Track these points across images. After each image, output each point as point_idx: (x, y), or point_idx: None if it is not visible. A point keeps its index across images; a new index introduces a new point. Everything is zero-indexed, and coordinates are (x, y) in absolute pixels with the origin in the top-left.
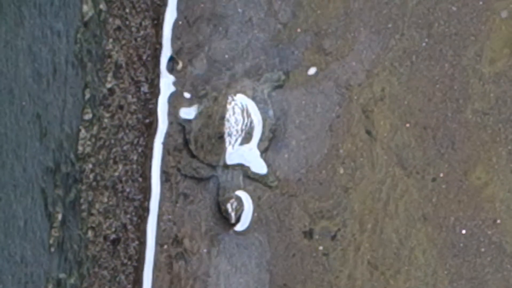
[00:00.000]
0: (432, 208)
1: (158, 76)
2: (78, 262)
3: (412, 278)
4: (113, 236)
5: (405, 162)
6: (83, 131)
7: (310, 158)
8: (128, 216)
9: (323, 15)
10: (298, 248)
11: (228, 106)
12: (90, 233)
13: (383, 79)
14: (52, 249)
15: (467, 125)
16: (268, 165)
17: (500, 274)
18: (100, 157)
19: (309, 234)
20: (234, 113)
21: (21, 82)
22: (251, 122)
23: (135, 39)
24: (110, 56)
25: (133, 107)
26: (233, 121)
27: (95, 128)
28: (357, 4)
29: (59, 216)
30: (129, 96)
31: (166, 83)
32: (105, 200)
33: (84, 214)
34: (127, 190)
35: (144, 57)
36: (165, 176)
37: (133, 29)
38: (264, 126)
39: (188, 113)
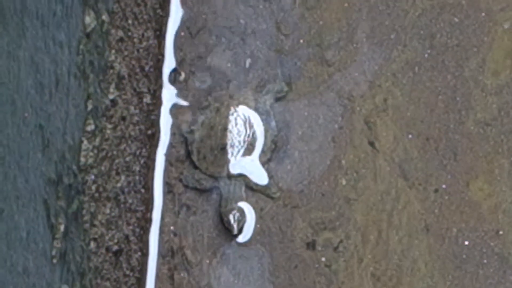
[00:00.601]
0: (434, 219)
1: (160, 87)
2: (80, 273)
3: None
4: (115, 247)
5: (408, 173)
6: (85, 142)
7: (313, 169)
8: (131, 227)
9: (325, 26)
10: (300, 259)
11: (231, 117)
12: (92, 244)
13: (386, 90)
14: (55, 260)
15: (469, 136)
16: (271, 176)
17: (503, 285)
18: (103, 168)
19: (311, 245)
20: (236, 124)
21: (23, 93)
22: (254, 133)
23: (138, 50)
24: (112, 67)
25: (136, 118)
26: (236, 132)
27: (98, 139)
28: (360, 16)
29: (62, 227)
30: (132, 107)
31: (169, 94)
32: (108, 211)
33: (87, 225)
34: (130, 201)
35: (147, 68)
36: (168, 187)
37: (136, 40)
38: (266, 137)
39: (190, 124)
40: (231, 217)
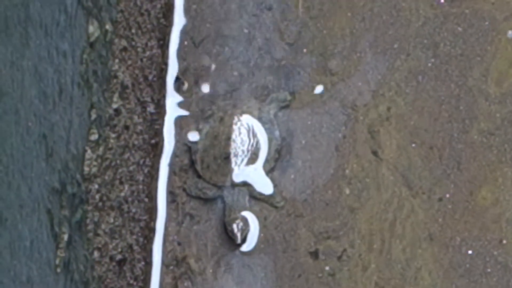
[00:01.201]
0: (438, 228)
1: (164, 96)
2: (84, 282)
3: None
4: (119, 257)
5: (411, 183)
6: (89, 151)
7: (316, 178)
8: (134, 236)
9: (329, 35)
10: (304, 268)
11: (234, 127)
12: (96, 254)
13: (389, 99)
14: (58, 270)
15: (473, 145)
16: (274, 186)
17: None
18: (106, 177)
19: (315, 254)
20: (240, 133)
21: (27, 103)
22: (257, 143)
23: (141, 60)
24: (116, 77)
25: (139, 127)
26: (239, 142)
27: (101, 148)
28: (363, 25)
29: (65, 237)
30: (135, 117)
31: (172, 103)
32: (111, 220)
33: (90, 234)
34: (133, 210)
35: (150, 78)
36: (171, 196)
37: (139, 49)
38: (270, 147)
39: (194, 133)
40: (234, 226)
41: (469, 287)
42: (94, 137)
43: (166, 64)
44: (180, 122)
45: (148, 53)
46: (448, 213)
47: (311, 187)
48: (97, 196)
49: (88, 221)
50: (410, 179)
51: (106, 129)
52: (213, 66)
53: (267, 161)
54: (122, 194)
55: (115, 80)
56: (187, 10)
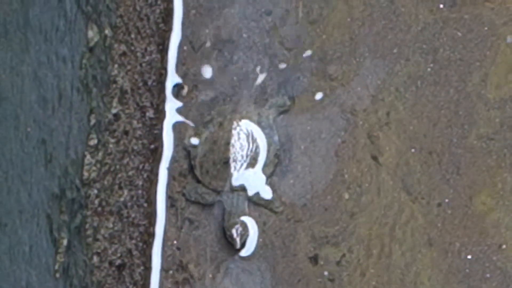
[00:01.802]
0: (437, 233)
1: (163, 101)
2: (83, 287)
3: None
4: (118, 262)
5: (411, 188)
6: (88, 156)
7: (316, 183)
8: (134, 241)
9: (328, 40)
10: (303, 273)
11: (234, 132)
12: (95, 259)
13: (388, 104)
14: (58, 275)
15: (472, 151)
16: (273, 191)
17: None
18: (105, 182)
19: (314, 259)
20: (239, 138)
21: (26, 108)
22: (257, 148)
23: (140, 65)
24: (115, 82)
25: (139, 132)
26: (238, 147)
27: (100, 153)
28: (362, 30)
29: (65, 242)
30: (135, 122)
31: (171, 108)
32: (110, 225)
33: (90, 239)
34: (132, 215)
35: (150, 83)
36: (171, 201)
37: (138, 54)
38: (269, 152)
39: (193, 138)
40: (234, 231)
41: None
42: (93, 142)
43: (165, 69)
44: (179, 127)
45: (147, 58)
46: (447, 218)
47: (310, 192)
48: (97, 201)
49: (87, 226)
50: (409, 184)
51: (106, 134)
52: (213, 71)
53: (266, 166)
54: (122, 199)
55: (114, 85)
56: (186, 15)
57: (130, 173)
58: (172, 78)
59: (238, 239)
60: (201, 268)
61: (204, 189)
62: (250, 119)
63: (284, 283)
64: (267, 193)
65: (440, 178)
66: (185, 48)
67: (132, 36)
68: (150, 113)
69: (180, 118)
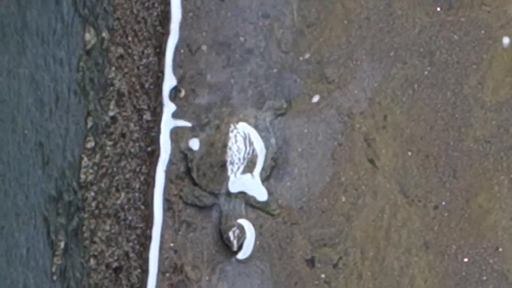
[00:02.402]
0: (434, 236)
1: (160, 104)
2: None
3: None
4: (115, 264)
5: (407, 190)
6: (85, 159)
7: (312, 186)
8: (130, 244)
9: (325, 43)
10: (300, 276)
11: (231, 134)
12: (92, 261)
13: (385, 107)
14: (55, 277)
15: (469, 153)
16: (270, 193)
17: None
18: (103, 185)
19: (311, 262)
20: (236, 141)
21: (23, 111)
22: (253, 150)
23: (138, 68)
24: (112, 84)
25: (136, 135)
26: (235, 149)
27: (98, 156)
28: (359, 33)
29: (62, 244)
30: (132, 124)
31: (169, 111)
32: (107, 228)
33: (87, 242)
34: (129, 218)
35: (147, 85)
36: (168, 204)
37: (136, 57)
38: (266, 154)
39: (190, 141)
40: (231, 234)
41: None
42: (90, 144)
43: (162, 72)
44: (176, 130)
45: (144, 61)
46: (444, 221)
47: (307, 195)
48: (94, 204)
49: (84, 228)
50: (406, 187)
51: (103, 136)
52: (209, 74)
53: (263, 168)
54: (119, 201)
55: (111, 88)
56: (183, 18)
57: (127, 175)
58: (169, 81)
59: (235, 242)
60: (198, 271)
61: (201, 192)
62: (247, 122)
63: (281, 285)
64: (264, 196)
65: (436, 181)
66: (182, 51)
67: (129, 39)
68: (147, 116)
69: (177, 121)
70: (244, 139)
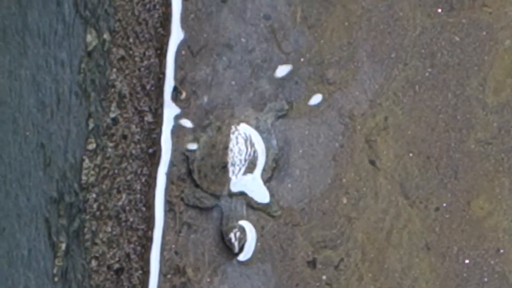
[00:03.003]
0: (435, 237)
1: (161, 106)
2: None
3: None
4: (116, 266)
5: (409, 192)
6: (86, 160)
7: (314, 187)
8: (132, 245)
9: (326, 45)
10: (301, 277)
11: (232, 136)
12: (93, 263)
13: (386, 108)
14: (56, 279)
15: (470, 155)
16: (272, 195)
17: None
18: (104, 186)
19: (312, 263)
20: (237, 143)
21: (25, 112)
22: (255, 152)
23: (139, 69)
24: (113, 86)
25: (137, 137)
26: (237, 151)
27: (99, 158)
28: (360, 34)
29: (63, 246)
30: (133, 126)
31: (170, 113)
32: (109, 229)
33: (88, 243)
34: (131, 219)
35: (148, 87)
36: (169, 205)
37: (137, 59)
38: (267, 156)
39: (191, 143)
40: (232, 235)
41: None
42: (91, 146)
43: (163, 73)
44: (177, 132)
45: (145, 62)
46: (445, 222)
47: (308, 196)
48: (95, 205)
49: (85, 230)
50: (407, 188)
51: (104, 138)
52: (211, 76)
53: (264, 170)
54: (120, 203)
55: (112, 90)
56: (184, 20)
57: (129, 177)
58: (171, 83)
59: (236, 243)
60: (199, 272)
61: (203, 194)
62: (248, 123)
63: (282, 287)
64: (265, 198)
65: (438, 183)
66: (183, 52)
67: (131, 40)
68: (148, 118)
69: (178, 123)
70: (245, 140)
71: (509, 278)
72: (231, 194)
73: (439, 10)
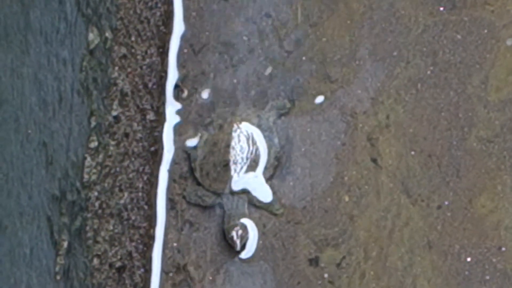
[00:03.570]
0: (437, 235)
1: (163, 104)
2: None
3: None
4: (118, 264)
5: (410, 190)
6: (88, 159)
7: (316, 186)
8: (134, 243)
9: (328, 43)
10: (303, 275)
11: (234, 134)
12: (95, 261)
13: (388, 107)
14: (58, 277)
15: (472, 153)
16: (273, 193)
17: None
18: (106, 185)
19: (314, 261)
20: (239, 141)
21: (27, 110)
22: (257, 150)
23: (141, 67)
24: (115, 84)
25: (139, 135)
26: (239, 149)
27: (101, 156)
28: (362, 32)
29: (65, 244)
30: (135, 124)
31: (172, 111)
32: (111, 227)
33: (90, 241)
34: (133, 217)
35: (150, 85)
36: (171, 203)
37: (139, 57)
38: (269, 154)
39: (193, 141)
40: (234, 233)
41: None
42: (93, 144)
43: (165, 71)
44: (179, 130)
45: (147, 60)
46: (447, 220)
47: (310, 195)
48: (97, 204)
49: (87, 228)
50: (409, 186)
51: (106, 136)
52: (213, 74)
53: (266, 168)
54: (122, 201)
55: (114, 88)
56: (186, 18)
57: (131, 175)
58: (172, 81)
59: (238, 242)
60: (201, 271)
61: (204, 192)
62: (250, 121)
63: (284, 285)
64: (267, 196)
65: (439, 181)
66: (185, 50)
67: (133, 38)
68: (150, 116)
69: (180, 121)
70: (247, 138)
71: (511, 276)
72: (233, 192)
73: (441, 8)
